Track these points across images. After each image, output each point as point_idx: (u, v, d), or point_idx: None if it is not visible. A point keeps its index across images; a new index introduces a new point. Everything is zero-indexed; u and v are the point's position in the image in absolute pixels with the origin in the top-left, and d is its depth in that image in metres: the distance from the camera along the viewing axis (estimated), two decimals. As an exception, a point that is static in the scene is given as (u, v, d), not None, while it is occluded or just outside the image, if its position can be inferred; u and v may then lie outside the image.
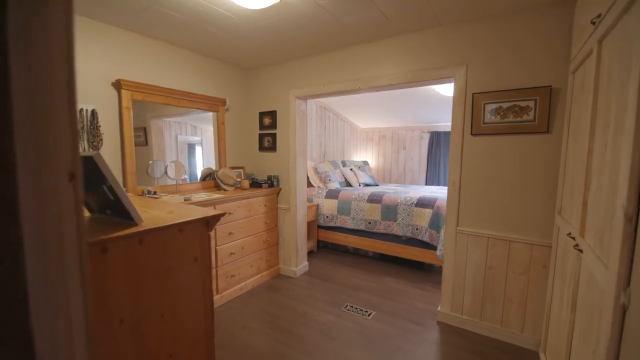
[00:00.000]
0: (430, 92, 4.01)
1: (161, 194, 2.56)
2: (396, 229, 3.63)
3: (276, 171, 3.49)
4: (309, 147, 4.73)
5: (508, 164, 2.22)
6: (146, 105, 2.76)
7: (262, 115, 3.53)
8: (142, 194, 2.48)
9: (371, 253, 4.07)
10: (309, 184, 4.48)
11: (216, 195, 2.79)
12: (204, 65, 3.13)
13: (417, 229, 3.50)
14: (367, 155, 6.33)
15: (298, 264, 3.45)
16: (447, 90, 3.65)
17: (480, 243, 2.36)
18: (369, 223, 3.82)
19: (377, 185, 4.93)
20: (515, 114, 2.17)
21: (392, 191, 4.12)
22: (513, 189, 2.22)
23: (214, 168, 3.33)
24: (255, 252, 3.20)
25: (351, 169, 4.87)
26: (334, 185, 4.36)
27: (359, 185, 4.72)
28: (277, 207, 3.48)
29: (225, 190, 3.14)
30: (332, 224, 4.11)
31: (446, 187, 4.51)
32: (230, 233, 2.88)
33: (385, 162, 6.12)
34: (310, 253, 4.16)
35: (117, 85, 2.44)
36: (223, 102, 3.28)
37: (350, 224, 3.95)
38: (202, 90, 3.11)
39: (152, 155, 2.91)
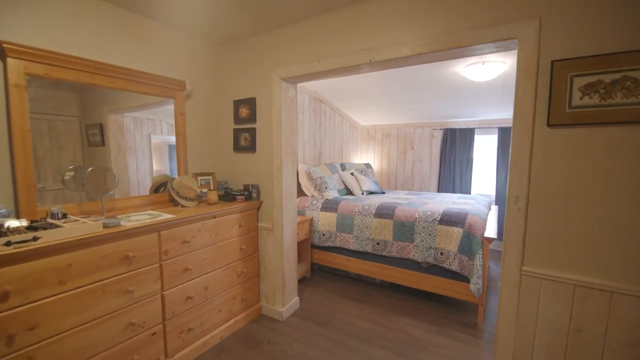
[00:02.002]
0: (452, 77, 3.19)
1: (76, 217, 1.69)
2: (413, 253, 2.80)
3: (256, 178, 2.63)
4: (300, 147, 3.88)
5: (611, 172, 1.41)
6: (101, 93, 2.06)
7: (237, 104, 2.68)
8: (44, 218, 1.61)
9: (379, 280, 3.23)
10: (301, 193, 3.63)
11: (166, 216, 1.93)
12: (153, 34, 2.26)
13: (441, 254, 2.68)
14: (369, 157, 5.51)
15: (285, 302, 2.60)
16: (476, 73, 2.85)
17: (560, 293, 1.53)
18: (377, 244, 2.98)
19: (384, 193, 4.10)
20: (626, 91, 1.35)
21: (405, 202, 3.29)
22: (619, 211, 1.40)
23: (174, 175, 2.47)
24: (226, 291, 2.34)
25: (352, 174, 4.04)
26: (332, 194, 3.52)
27: (362, 194, 3.89)
28: (258, 227, 2.62)
29: (183, 206, 2.28)
30: (329, 244, 3.26)
31: (473, 197, 3.70)
32: (187, 269, 2.02)
33: (390, 165, 5.31)
34: (302, 280, 3.31)
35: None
36: (181, 85, 2.42)
37: (353, 244, 3.12)
38: (150, 68, 2.24)
39: (109, 159, 2.15)
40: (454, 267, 2.59)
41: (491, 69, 2.80)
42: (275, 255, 2.56)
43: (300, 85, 3.63)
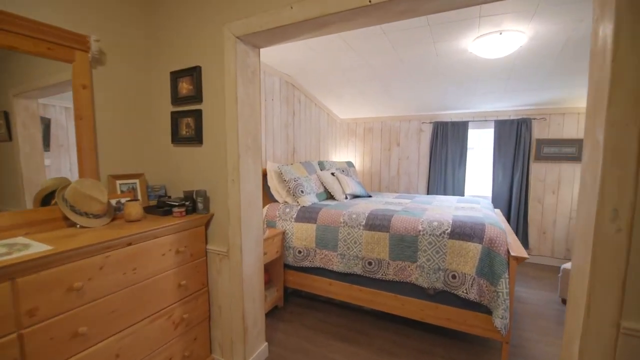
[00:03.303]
0: (454, 55, 2.60)
1: None
2: (416, 276, 2.17)
3: (204, 182, 1.87)
4: (269, 141, 3.14)
5: None
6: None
7: (175, 77, 1.90)
8: None
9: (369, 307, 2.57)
10: (270, 198, 2.89)
11: (37, 248, 1.13)
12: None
13: (454, 277, 2.06)
14: (350, 155, 4.87)
15: (248, 353, 1.85)
16: (489, 46, 2.27)
17: (693, 367, 0.94)
18: (369, 264, 2.32)
19: (370, 197, 3.46)
20: None
21: (401, 208, 2.65)
22: None
23: (81, 178, 1.64)
24: (157, 351, 1.56)
25: (333, 174, 3.36)
26: (310, 199, 2.81)
27: (346, 198, 3.22)
28: (207, 251, 1.86)
29: (83, 227, 1.48)
30: (307, 264, 2.55)
31: (474, 200, 3.14)
32: (78, 334, 1.23)
33: (373, 164, 4.70)
34: (272, 312, 2.57)
35: None
36: (82, 41, 1.59)
37: (337, 265, 2.43)
38: (27, 12, 1.41)
39: (18, 158, 1.47)
40: (472, 295, 1.98)
41: (508, 41, 2.23)
42: (232, 289, 1.80)
43: (268, 63, 2.89)
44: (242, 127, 1.71)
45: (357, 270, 2.36)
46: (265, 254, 2.35)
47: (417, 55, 2.62)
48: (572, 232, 3.64)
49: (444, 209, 2.65)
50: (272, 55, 2.77)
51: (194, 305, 1.78)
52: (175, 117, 1.92)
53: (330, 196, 3.21)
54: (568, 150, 3.59)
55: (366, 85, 3.43)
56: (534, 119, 3.68)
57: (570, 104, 3.46)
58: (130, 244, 1.43)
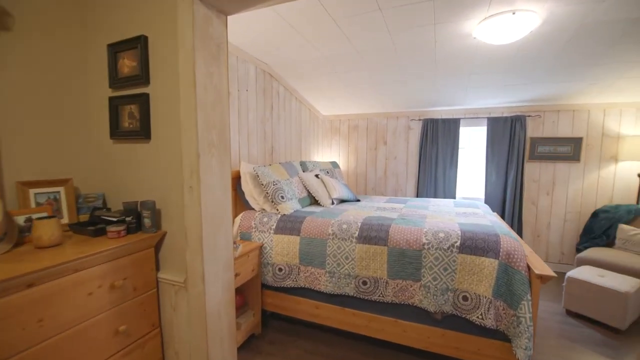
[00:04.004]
0: (456, 41, 2.30)
1: None
2: (420, 297, 1.83)
3: (152, 190, 1.42)
4: (243, 138, 2.70)
5: None
6: None
7: (115, 51, 1.44)
8: None
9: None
10: (244, 205, 2.46)
11: None
12: None
13: (465, 299, 1.74)
14: (333, 155, 4.50)
15: (215, 412, 1.43)
16: (498, 29, 1.98)
17: None
18: (364, 283, 1.95)
19: (358, 201, 3.10)
20: None
21: (397, 215, 2.31)
22: None
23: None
24: None
25: (317, 176, 2.97)
26: (291, 205, 2.41)
27: (332, 203, 2.84)
28: (158, 281, 1.42)
29: (-45, 260, 1.00)
30: (289, 283, 2.15)
31: (473, 204, 2.86)
32: None
33: (359, 164, 4.36)
34: (249, 341, 2.15)
35: None
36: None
37: (325, 284, 2.05)
38: None
39: None
40: (489, 321, 1.67)
41: (519, 24, 1.95)
42: (193, 330, 1.37)
43: (242, 47, 2.45)
44: (204, 118, 1.29)
45: (350, 290, 1.99)
46: (237, 275, 1.93)
47: (414, 40, 2.29)
48: (567, 234, 3.48)
49: (444, 216, 2.34)
50: (246, 37, 2.35)
51: (140, 355, 1.33)
52: (115, 105, 1.46)
53: (314, 201, 2.82)
54: (563, 150, 3.41)
55: (352, 77, 3.07)
56: (528, 116, 3.48)
57: (566, 100, 3.28)
58: (32, 286, 0.97)
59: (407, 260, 1.85)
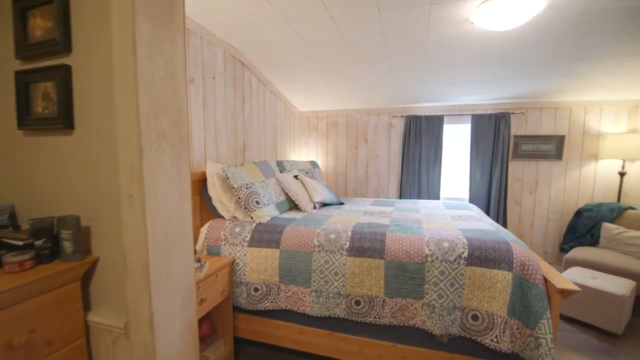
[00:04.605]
0: (450, 27, 2.08)
1: None
2: (423, 318, 1.57)
3: (77, 201, 1.03)
4: (210, 133, 2.32)
5: None
6: None
7: (21, 6, 1.03)
8: None
9: (354, 356, 1.90)
10: (212, 213, 2.08)
11: None
12: None
13: (475, 318, 1.50)
14: (310, 153, 4.19)
15: None
16: (500, 13, 1.78)
17: None
18: (357, 303, 1.66)
19: (342, 204, 2.81)
20: None
21: (389, 221, 2.05)
22: None
23: None
24: None
25: (296, 177, 2.64)
26: (268, 211, 2.06)
27: (314, 207, 2.53)
28: (87, 326, 1.03)
29: None
30: (268, 305, 1.81)
31: (465, 206, 2.68)
32: None
33: (338, 164, 4.09)
34: (218, 379, 1.78)
35: None
36: None
37: (311, 305, 1.73)
38: None
39: None
40: (505, 344, 1.44)
41: (524, 6, 1.75)
42: (138, 390, 1.00)
43: (207, 28, 2.07)
44: (149, 99, 0.92)
45: (340, 312, 1.69)
46: (202, 301, 1.56)
47: (405, 25, 2.04)
48: (549, 234, 3.43)
49: (439, 220, 2.12)
50: (213, 17, 1.97)
51: None
52: (24, 82, 1.05)
53: (294, 206, 2.50)
54: (546, 148, 3.36)
55: (333, 68, 2.78)
56: (512, 113, 3.39)
57: (549, 97, 3.22)
58: None
59: (408, 275, 1.59)
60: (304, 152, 4.20)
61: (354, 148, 4.02)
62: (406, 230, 1.79)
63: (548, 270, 1.55)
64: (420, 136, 3.67)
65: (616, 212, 2.92)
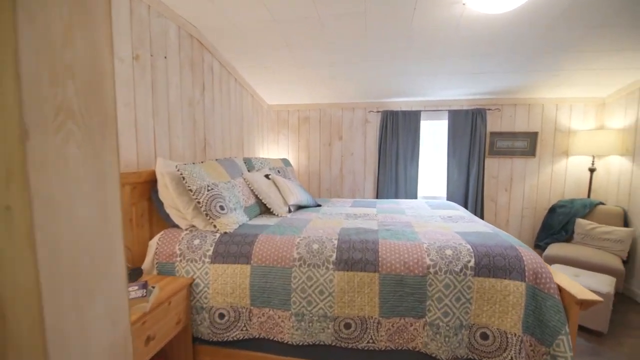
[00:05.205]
0: (443, 10, 1.88)
1: None
2: (425, 339, 1.33)
3: None
4: (162, 123, 1.91)
5: None
6: None
7: None
8: None
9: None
10: (164, 221, 1.69)
11: None
12: None
13: (485, 337, 1.30)
14: (281, 151, 3.86)
15: None
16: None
17: None
18: (346, 326, 1.39)
19: (319, 207, 2.53)
20: None
21: (377, 225, 1.80)
22: None
23: None
24: None
25: (268, 176, 2.31)
26: (235, 218, 1.72)
27: (289, 211, 2.22)
28: None
29: None
30: (236, 334, 1.47)
31: (451, 205, 2.53)
32: None
33: (311, 161, 3.80)
34: None
35: None
36: None
37: (291, 332, 1.42)
38: None
39: None
40: (520, 367, 1.25)
41: (522, -14, 1.59)
42: None
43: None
44: (36, 47, 0.56)
45: (326, 338, 1.40)
46: (150, 340, 1.19)
47: (389, 3, 1.80)
48: (524, 231, 3.43)
49: (430, 222, 1.91)
50: (161, -28, 1.59)
51: None
52: None
53: (266, 210, 2.16)
54: (520, 145, 3.35)
55: (308, 55, 2.48)
56: (489, 109, 3.34)
57: (523, 93, 3.20)
58: None
59: (408, 290, 1.34)
60: (274, 149, 3.86)
61: (328, 145, 3.75)
62: (400, 236, 1.55)
63: (563, 280, 1.38)
64: (397, 132, 3.50)
65: (588, 208, 2.95)
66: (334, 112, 3.70)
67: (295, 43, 2.31)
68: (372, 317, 1.37)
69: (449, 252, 1.38)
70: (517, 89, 3.07)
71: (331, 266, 1.41)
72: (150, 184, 1.70)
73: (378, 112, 3.57)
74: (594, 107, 3.17)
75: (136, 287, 1.26)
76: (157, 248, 1.57)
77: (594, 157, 3.07)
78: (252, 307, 1.45)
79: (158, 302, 1.26)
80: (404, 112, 3.46)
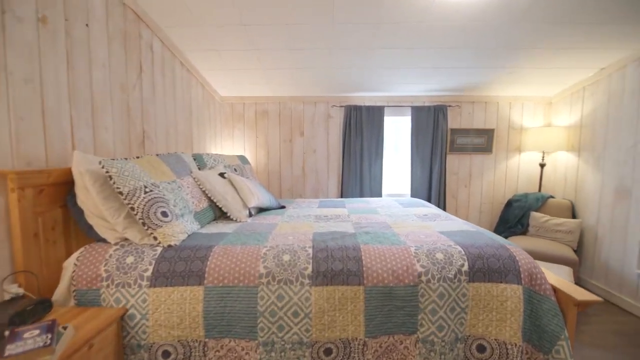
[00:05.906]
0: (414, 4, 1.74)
1: None
2: (417, 359, 1.15)
3: None
4: (83, 109, 1.49)
5: None
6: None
7: None
8: None
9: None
10: (84, 234, 1.30)
11: None
12: None
13: (481, 350, 1.15)
14: (236, 147, 3.49)
15: None
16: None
17: None
18: (327, 352, 1.15)
19: (284, 208, 2.26)
20: None
21: (352, 228, 1.59)
22: None
23: None
24: None
25: (223, 175, 1.98)
26: (183, 227, 1.38)
27: (249, 216, 1.91)
28: None
29: None
30: (188, 375, 1.15)
31: (423, 203, 2.43)
32: None
33: (270, 159, 3.50)
34: None
35: None
36: None
37: (258, 365, 1.15)
38: None
39: None
40: (522, 381, 1.12)
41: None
42: None
43: None
44: None
45: (302, 368, 1.15)
46: (57, 409, 0.83)
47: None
48: (482, 225, 3.51)
49: (408, 222, 1.76)
50: None
51: None
52: None
53: (221, 214, 1.84)
54: (478, 141, 3.42)
55: (267, 39, 2.20)
56: (449, 106, 3.35)
57: (481, 91, 3.26)
58: None
59: (397, 303, 1.15)
60: (228, 145, 3.48)
61: (289, 141, 3.49)
62: (381, 240, 1.36)
63: (557, 280, 1.30)
64: (362, 128, 3.36)
65: (541, 201, 3.09)
66: (294, 105, 3.44)
67: (252, 22, 2.02)
68: (356, 339, 1.15)
69: (439, 255, 1.22)
70: (475, 85, 3.11)
71: (307, 281, 1.16)
72: (65, 186, 1.29)
73: (341, 106, 3.39)
74: (542, 105, 3.34)
75: (36, 332, 0.89)
76: (74, 271, 1.18)
77: (543, 153, 3.22)
78: (207, 340, 1.14)
79: (73, 349, 0.91)
80: (368, 108, 3.34)
